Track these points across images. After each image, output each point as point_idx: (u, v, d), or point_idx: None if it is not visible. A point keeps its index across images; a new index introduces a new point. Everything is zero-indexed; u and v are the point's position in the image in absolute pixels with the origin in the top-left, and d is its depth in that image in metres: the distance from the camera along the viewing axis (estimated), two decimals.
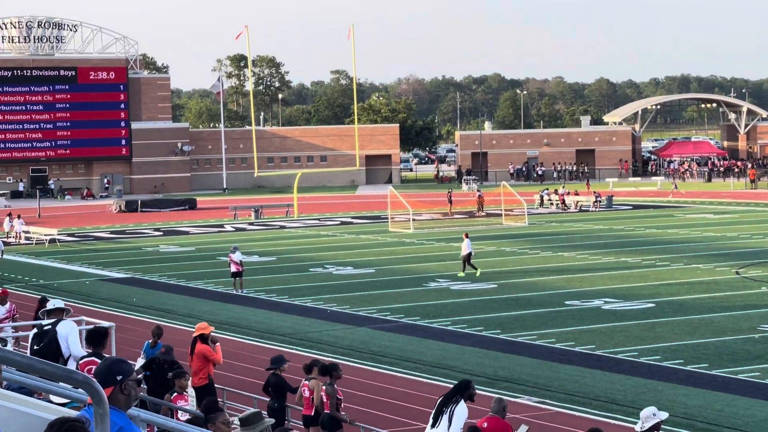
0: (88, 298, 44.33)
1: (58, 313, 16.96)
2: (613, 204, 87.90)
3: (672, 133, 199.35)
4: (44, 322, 15.51)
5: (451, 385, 18.82)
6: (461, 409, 17.93)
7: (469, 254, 49.65)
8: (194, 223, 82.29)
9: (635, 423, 16.36)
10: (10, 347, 25.39)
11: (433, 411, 18.21)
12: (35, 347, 15.22)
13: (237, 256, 46.55)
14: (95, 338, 17.50)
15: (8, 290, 32.37)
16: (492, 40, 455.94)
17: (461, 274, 49.15)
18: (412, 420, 24.48)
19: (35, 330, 15.57)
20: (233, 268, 46.59)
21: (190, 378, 20.85)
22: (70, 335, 15.14)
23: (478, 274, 48.79)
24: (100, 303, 42.95)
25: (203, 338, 22.94)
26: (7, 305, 29.35)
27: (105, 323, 22.28)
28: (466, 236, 51.25)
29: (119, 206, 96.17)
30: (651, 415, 16.11)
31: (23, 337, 26.80)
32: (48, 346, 14.94)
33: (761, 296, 42.01)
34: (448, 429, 17.76)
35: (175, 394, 19.44)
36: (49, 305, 15.89)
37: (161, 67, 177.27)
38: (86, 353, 17.82)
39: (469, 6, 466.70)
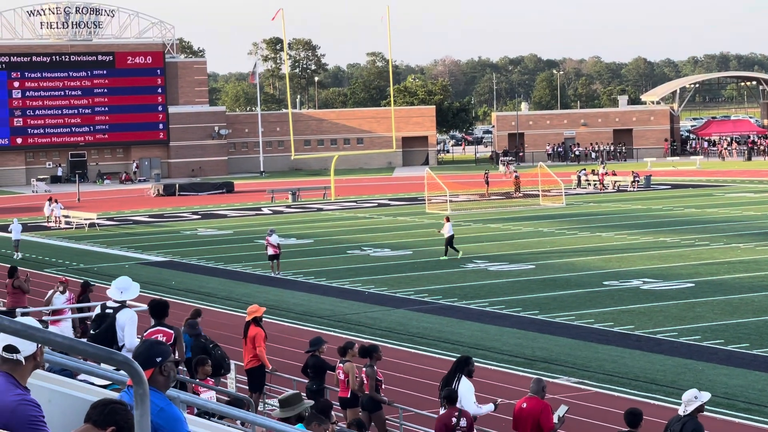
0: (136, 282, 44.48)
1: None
2: (652, 183, 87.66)
3: (711, 112, 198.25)
4: (109, 303, 15.46)
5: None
6: (465, 386, 18.04)
7: (451, 237, 49.83)
8: (232, 207, 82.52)
9: (674, 403, 16.40)
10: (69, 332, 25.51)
11: (440, 393, 18.23)
12: (92, 331, 15.26)
13: (274, 239, 46.94)
14: (158, 310, 17.72)
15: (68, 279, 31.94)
16: (528, 20, 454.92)
17: (444, 257, 49.35)
18: None
19: (98, 310, 15.55)
20: (270, 251, 46.88)
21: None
22: (127, 325, 15.14)
23: (459, 255, 49.00)
24: (140, 286, 43.15)
25: (256, 321, 23.13)
26: (67, 294, 28.81)
27: (142, 306, 22.42)
28: (447, 220, 51.74)
29: (157, 190, 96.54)
30: (693, 398, 16.06)
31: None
32: (105, 332, 14.98)
33: None
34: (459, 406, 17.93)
35: (197, 381, 19.45)
36: (114, 293, 15.52)
37: (197, 51, 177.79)
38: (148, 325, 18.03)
39: None
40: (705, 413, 23.43)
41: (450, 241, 49.69)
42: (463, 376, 18.17)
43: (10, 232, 57.10)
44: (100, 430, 6.31)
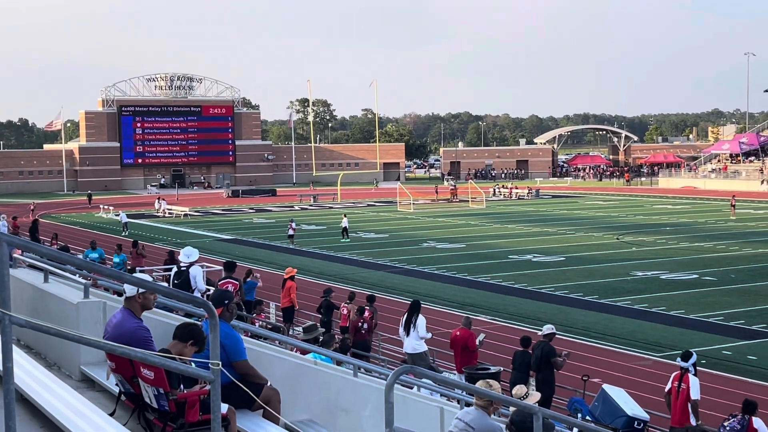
0: (208, 251, 44.27)
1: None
2: (540, 194, 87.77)
3: (577, 150, 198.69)
4: (182, 264, 15.46)
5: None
6: (421, 319, 18.45)
7: (346, 227, 50.26)
8: (275, 205, 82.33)
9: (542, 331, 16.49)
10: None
11: (403, 325, 18.55)
12: (175, 281, 15.27)
13: (294, 225, 49.27)
14: (230, 266, 17.87)
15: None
16: (464, 90, 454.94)
17: (342, 240, 49.11)
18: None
19: (175, 269, 15.59)
20: (290, 232, 48.37)
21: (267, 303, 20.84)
22: (197, 276, 15.23)
23: (347, 241, 48.75)
24: (215, 254, 42.97)
25: (291, 278, 23.42)
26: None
27: (218, 267, 22.35)
28: (344, 216, 52.55)
29: (228, 193, 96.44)
30: (550, 328, 16.41)
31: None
32: (184, 282, 15.04)
33: (633, 252, 41.89)
34: (416, 333, 18.26)
35: (255, 314, 19.69)
36: (183, 257, 15.62)
37: (254, 106, 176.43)
38: (221, 278, 18.07)
39: (447, 67, 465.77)
40: (572, 338, 23.52)
41: (345, 230, 49.96)
42: (420, 314, 18.41)
43: (119, 218, 59.08)
44: (183, 343, 6.28)
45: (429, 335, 18.56)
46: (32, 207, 64.43)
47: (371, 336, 20.40)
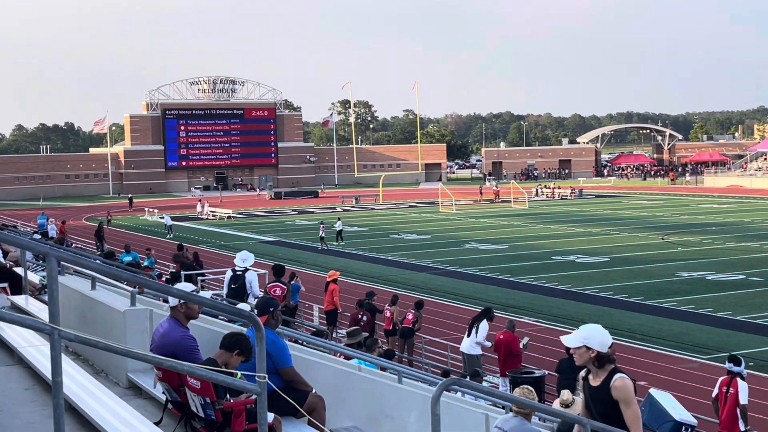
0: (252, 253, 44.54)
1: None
2: (583, 194, 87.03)
3: (620, 149, 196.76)
4: (237, 269, 15.46)
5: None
6: (483, 325, 18.37)
7: (341, 230, 49.99)
8: (317, 206, 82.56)
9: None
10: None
11: (468, 327, 18.57)
12: (232, 286, 15.32)
13: (325, 227, 49.21)
14: (278, 271, 18.03)
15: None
16: (506, 89, 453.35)
17: (335, 243, 48.57)
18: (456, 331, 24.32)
19: (231, 274, 15.58)
20: (321, 234, 48.39)
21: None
22: (253, 281, 15.27)
23: (343, 244, 48.48)
24: (258, 256, 43.10)
25: (334, 281, 23.53)
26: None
27: (262, 271, 22.42)
28: (339, 219, 52.91)
29: (270, 195, 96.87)
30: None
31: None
32: (240, 287, 15.11)
33: (679, 253, 41.32)
34: (476, 336, 18.28)
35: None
36: (239, 261, 15.56)
37: (296, 108, 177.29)
38: (270, 282, 18.24)
39: (489, 67, 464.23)
40: (618, 341, 23.23)
41: (339, 234, 49.75)
42: (485, 319, 18.54)
43: (164, 221, 59.03)
44: (229, 353, 6.29)
45: (488, 344, 18.46)
46: (108, 218, 63.72)
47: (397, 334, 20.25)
